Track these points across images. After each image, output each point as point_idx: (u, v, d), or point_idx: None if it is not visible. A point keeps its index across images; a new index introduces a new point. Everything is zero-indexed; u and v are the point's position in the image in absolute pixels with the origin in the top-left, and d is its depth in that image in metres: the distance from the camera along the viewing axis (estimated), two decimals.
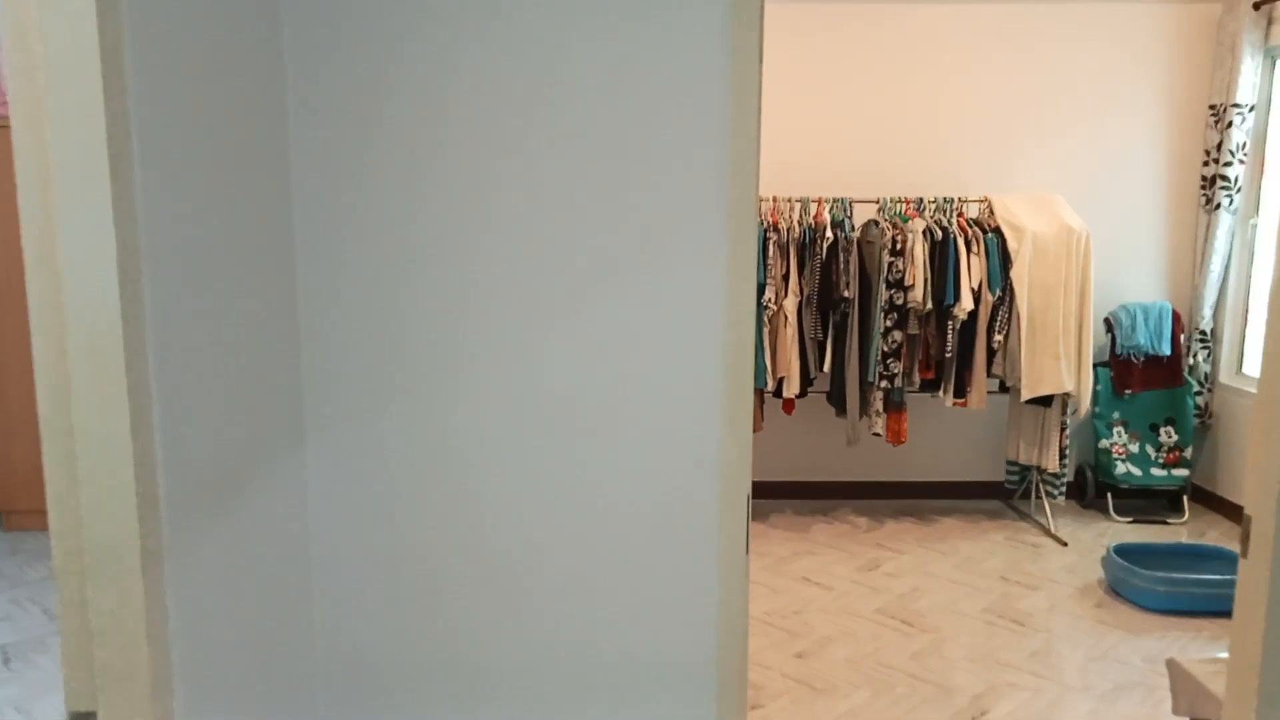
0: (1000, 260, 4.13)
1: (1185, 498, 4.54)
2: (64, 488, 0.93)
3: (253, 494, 1.60)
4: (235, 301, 1.46)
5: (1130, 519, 4.53)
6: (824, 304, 4.21)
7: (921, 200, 4.29)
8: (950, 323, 4.14)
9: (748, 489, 2.02)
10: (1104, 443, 4.55)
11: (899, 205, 4.29)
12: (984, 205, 4.32)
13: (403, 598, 2.10)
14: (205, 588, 1.28)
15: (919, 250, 4.10)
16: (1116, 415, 4.57)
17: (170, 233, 1.18)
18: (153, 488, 0.99)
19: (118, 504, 0.94)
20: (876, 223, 4.20)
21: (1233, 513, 4.48)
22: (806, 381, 4.28)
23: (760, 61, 1.80)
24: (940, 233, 4.13)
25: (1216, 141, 4.50)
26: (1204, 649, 3.20)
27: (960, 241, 4.12)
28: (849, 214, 4.29)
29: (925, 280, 4.10)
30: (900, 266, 4.12)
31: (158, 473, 1.03)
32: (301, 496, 1.94)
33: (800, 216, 4.32)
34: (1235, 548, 3.80)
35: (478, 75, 1.89)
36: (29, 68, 0.93)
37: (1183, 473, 4.49)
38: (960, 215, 4.28)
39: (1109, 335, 4.60)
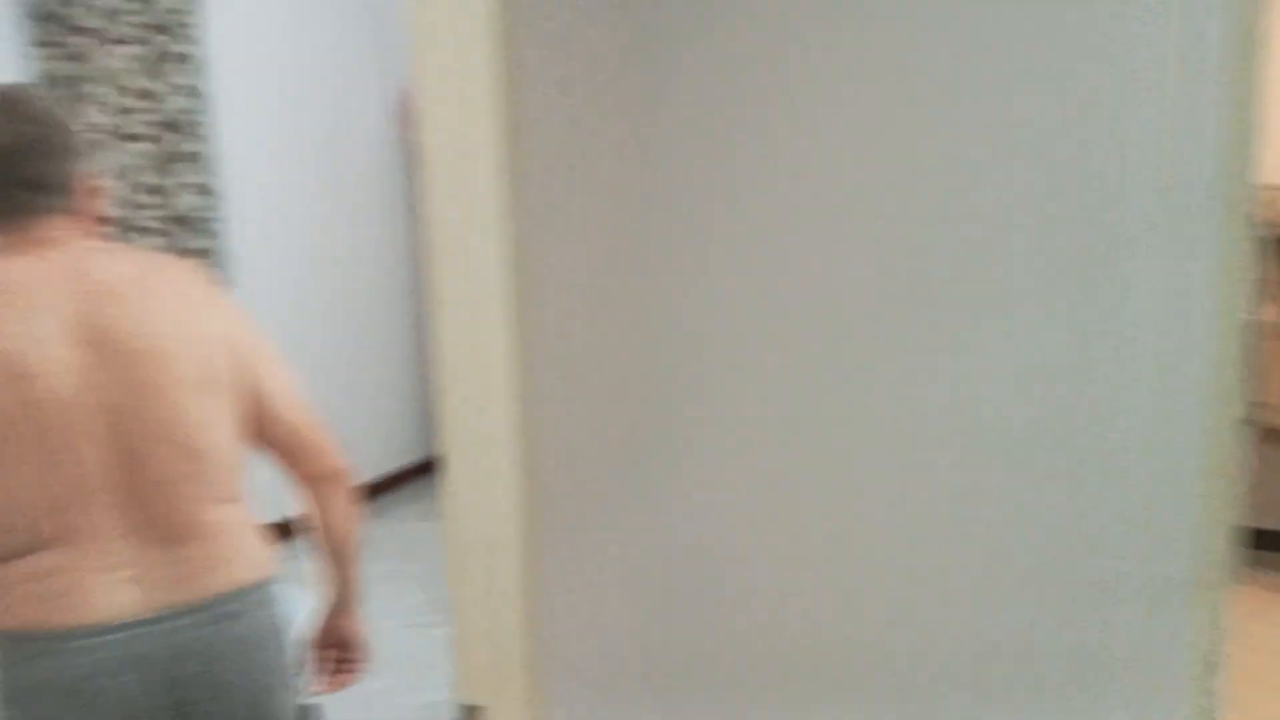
0: None
1: None
2: (456, 485, 1.01)
3: (634, 491, 1.53)
4: (616, 305, 1.42)
5: None
6: None
7: None
8: None
9: (1232, 548, 1.63)
10: None
11: None
12: None
13: (809, 600, 1.97)
14: (579, 586, 1.27)
15: None
16: None
17: (551, 236, 1.16)
18: (532, 485, 1.05)
19: (501, 501, 1.03)
20: None
21: None
22: None
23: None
24: None
25: None
26: None
27: None
28: None
29: None
30: None
31: (536, 471, 1.09)
32: (687, 495, 1.88)
33: None
34: None
35: (880, 46, 1.65)
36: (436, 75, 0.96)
37: None
38: None
39: None
